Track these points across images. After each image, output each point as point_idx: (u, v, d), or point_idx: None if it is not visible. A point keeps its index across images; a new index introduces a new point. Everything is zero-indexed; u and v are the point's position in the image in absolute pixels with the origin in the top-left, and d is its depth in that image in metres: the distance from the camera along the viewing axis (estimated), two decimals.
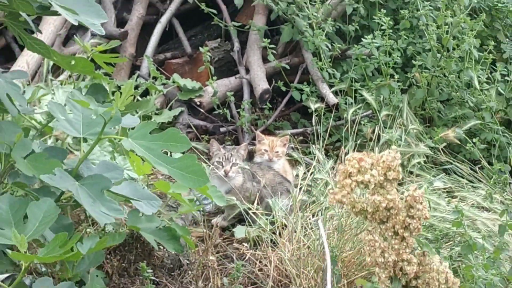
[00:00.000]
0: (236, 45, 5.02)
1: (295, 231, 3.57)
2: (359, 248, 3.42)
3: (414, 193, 1.68)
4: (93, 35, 4.49)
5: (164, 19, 5.08)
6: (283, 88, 4.94)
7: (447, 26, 4.66)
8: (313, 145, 4.47)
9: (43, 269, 2.44)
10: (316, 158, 4.23)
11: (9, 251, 2.11)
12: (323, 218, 3.57)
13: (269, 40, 4.99)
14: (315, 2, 4.92)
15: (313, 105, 4.59)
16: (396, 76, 4.65)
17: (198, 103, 4.82)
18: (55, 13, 2.37)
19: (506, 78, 4.77)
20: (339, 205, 1.83)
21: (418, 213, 1.65)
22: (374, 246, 1.66)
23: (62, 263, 2.45)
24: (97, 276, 2.59)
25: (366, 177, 1.62)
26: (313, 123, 4.57)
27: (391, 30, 4.69)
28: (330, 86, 4.74)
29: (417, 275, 1.68)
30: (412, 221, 1.65)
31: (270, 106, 4.93)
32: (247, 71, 4.93)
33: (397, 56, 4.67)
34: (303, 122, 4.97)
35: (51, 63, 4.41)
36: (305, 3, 4.86)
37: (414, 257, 1.69)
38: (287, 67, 4.99)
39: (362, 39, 4.76)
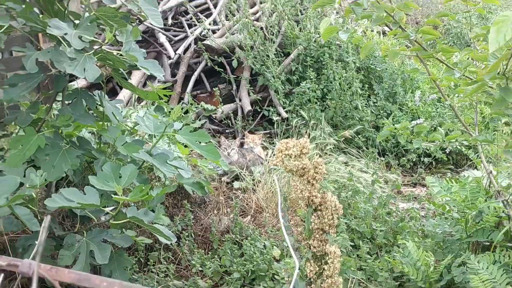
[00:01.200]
0: (234, 87, 5.36)
1: (265, 184, 3.81)
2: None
3: (317, 160, 1.81)
4: (159, 81, 4.86)
5: (196, 73, 5.41)
6: (259, 109, 5.24)
7: (344, 77, 5.04)
8: (275, 139, 4.81)
9: (132, 204, 2.56)
10: (276, 146, 4.23)
11: (113, 195, 2.22)
12: (279, 177, 3.83)
13: (249, 85, 5.32)
14: (275, 64, 5.26)
15: (275, 118, 4.92)
16: (318, 103, 4.99)
17: (214, 117, 5.13)
18: (138, 69, 2.47)
19: (376, 104, 5.14)
20: (278, 166, 1.83)
21: (319, 171, 1.78)
22: (297, 188, 1.79)
23: (142, 201, 2.58)
24: (160, 208, 2.71)
25: (290, 152, 1.77)
26: (275, 128, 4.92)
27: (315, 79, 5.04)
28: (284, 108, 5.05)
29: (320, 203, 1.79)
30: (317, 175, 1.78)
31: (252, 118, 5.21)
32: (240, 100, 5.25)
33: (319, 93, 5.00)
34: (270, 127, 5.23)
35: (136, 96, 4.69)
36: (270, 65, 5.21)
37: (319, 194, 1.79)
38: (260, 98, 5.30)
39: (301, 84, 5.08)
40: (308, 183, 1.79)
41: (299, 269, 1.92)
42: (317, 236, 1.81)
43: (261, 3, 5.89)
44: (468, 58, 2.34)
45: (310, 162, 1.77)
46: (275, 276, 2.81)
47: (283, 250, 3.07)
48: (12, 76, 2.45)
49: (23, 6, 2.29)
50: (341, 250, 2.60)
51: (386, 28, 6.67)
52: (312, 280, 1.81)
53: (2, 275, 0.85)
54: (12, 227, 2.30)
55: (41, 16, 2.35)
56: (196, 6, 6.14)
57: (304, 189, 1.78)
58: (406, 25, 2.27)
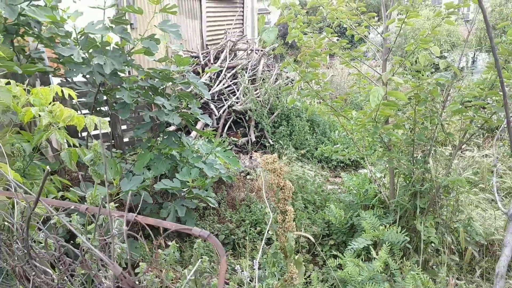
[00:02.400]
0: (247, 129, 5.28)
1: (262, 177, 3.70)
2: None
3: (281, 165, 1.76)
4: (209, 127, 4.84)
5: (228, 123, 5.33)
6: (259, 140, 5.13)
7: (300, 124, 5.02)
8: (267, 155, 5.22)
9: (196, 187, 2.44)
10: (262, 157, 4.94)
11: (187, 182, 2.23)
12: (264, 172, 4.18)
13: (254, 128, 5.24)
14: (267, 118, 5.20)
15: (267, 144, 4.89)
16: (288, 137, 4.95)
17: (237, 144, 5.04)
18: (198, 120, 2.57)
19: (316, 137, 5.06)
20: (262, 167, 1.72)
21: (284, 169, 1.74)
22: (272, 178, 1.74)
23: (201, 185, 2.48)
24: (210, 188, 2.66)
25: (268, 160, 1.73)
26: (267, 149, 4.86)
27: (286, 125, 5.04)
28: (271, 139, 4.99)
29: (283, 186, 1.73)
30: (282, 171, 1.73)
31: (256, 145, 5.10)
32: (250, 135, 5.14)
33: (288, 132, 4.99)
34: (264, 149, 5.05)
35: (199, 134, 4.17)
36: (264, 118, 5.16)
37: (283, 181, 1.74)
38: (260, 135, 5.20)
39: (279, 127, 5.07)
40: (277, 176, 1.75)
41: (273, 217, 1.88)
42: (282, 201, 1.78)
43: (260, 89, 5.84)
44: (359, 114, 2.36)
45: (278, 165, 1.74)
46: (266, 222, 2.77)
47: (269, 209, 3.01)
48: (138, 124, 2.49)
49: (144, 91, 2.33)
50: (298, 209, 2.74)
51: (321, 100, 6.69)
52: (279, 223, 1.79)
53: (117, 221, 0.84)
54: (137, 200, 2.30)
55: (152, 95, 2.39)
56: (229, 90, 6.05)
57: (275, 178, 1.74)
58: (328, 99, 2.30)
